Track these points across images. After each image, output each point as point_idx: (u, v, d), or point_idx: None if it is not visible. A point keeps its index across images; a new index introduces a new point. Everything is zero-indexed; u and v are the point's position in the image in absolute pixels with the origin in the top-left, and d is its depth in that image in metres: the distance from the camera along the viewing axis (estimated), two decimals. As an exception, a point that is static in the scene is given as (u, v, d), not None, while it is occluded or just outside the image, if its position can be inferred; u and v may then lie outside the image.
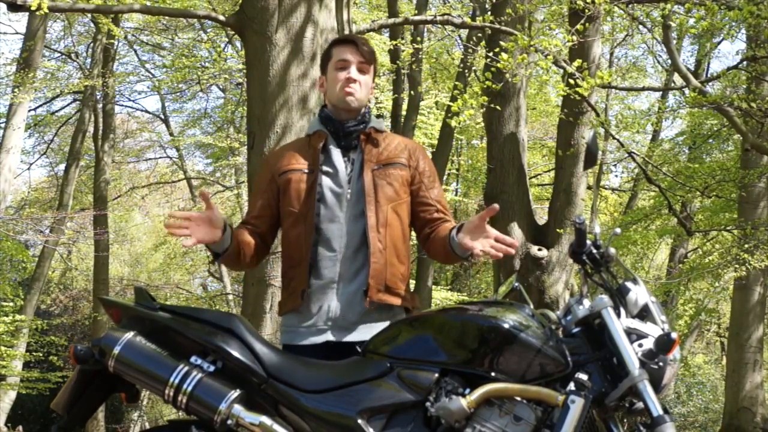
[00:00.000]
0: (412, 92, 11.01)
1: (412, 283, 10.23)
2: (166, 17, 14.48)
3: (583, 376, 2.40)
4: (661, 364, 2.43)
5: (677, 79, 12.72)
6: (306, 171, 2.87)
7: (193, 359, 2.61)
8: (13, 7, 5.53)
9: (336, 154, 2.89)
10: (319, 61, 5.28)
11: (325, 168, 2.87)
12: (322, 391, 2.57)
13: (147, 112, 21.36)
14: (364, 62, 2.92)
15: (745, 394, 11.87)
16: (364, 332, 2.75)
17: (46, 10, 5.39)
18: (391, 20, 8.19)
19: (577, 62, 6.42)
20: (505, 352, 2.47)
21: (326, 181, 2.86)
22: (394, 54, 10.39)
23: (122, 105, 21.80)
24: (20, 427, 13.88)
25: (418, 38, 10.36)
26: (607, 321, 2.47)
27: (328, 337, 2.80)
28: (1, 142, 12.57)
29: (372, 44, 3.00)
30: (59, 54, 17.63)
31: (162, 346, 2.64)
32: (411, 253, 3.04)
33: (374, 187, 2.84)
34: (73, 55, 17.38)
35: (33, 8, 5.29)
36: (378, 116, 3.02)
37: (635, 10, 8.37)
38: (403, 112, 11.25)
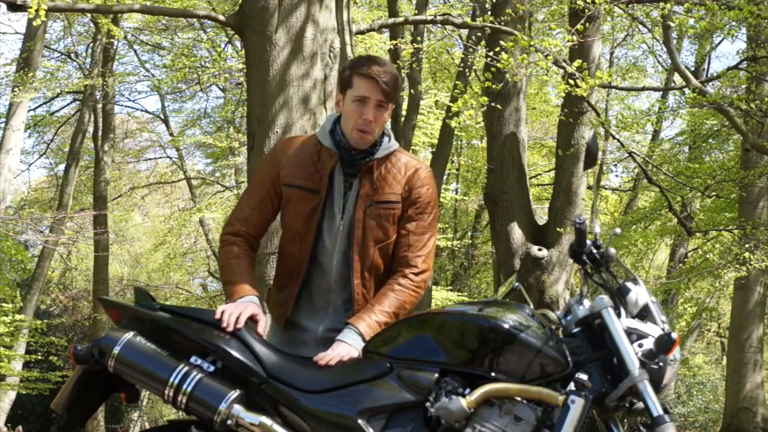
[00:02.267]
0: (412, 91, 11.01)
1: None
2: (166, 17, 14.47)
3: (584, 376, 2.40)
4: (661, 364, 2.43)
5: (677, 79, 12.72)
6: (311, 190, 2.81)
7: (193, 359, 2.61)
8: (13, 7, 5.51)
9: (338, 179, 2.82)
10: (319, 61, 5.31)
11: (326, 193, 2.81)
12: (322, 391, 2.57)
13: (147, 112, 21.34)
14: (384, 100, 2.79)
15: (745, 394, 11.87)
16: None
17: (43, 18, 5.34)
18: (391, 20, 8.19)
19: (577, 62, 6.42)
20: (505, 352, 2.47)
21: (328, 207, 2.82)
22: (394, 54, 10.39)
23: (122, 105, 21.82)
24: (20, 427, 13.87)
25: (418, 38, 10.35)
26: (607, 321, 2.47)
27: (312, 354, 2.75)
28: (0, 142, 12.57)
29: (395, 71, 2.84)
30: (59, 54, 17.62)
31: (162, 346, 2.64)
32: None
33: (363, 227, 2.79)
34: (72, 55, 17.38)
35: (31, 15, 5.25)
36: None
37: (635, 10, 8.37)
38: (403, 112, 11.26)
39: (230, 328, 2.63)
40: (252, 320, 2.70)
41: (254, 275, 2.87)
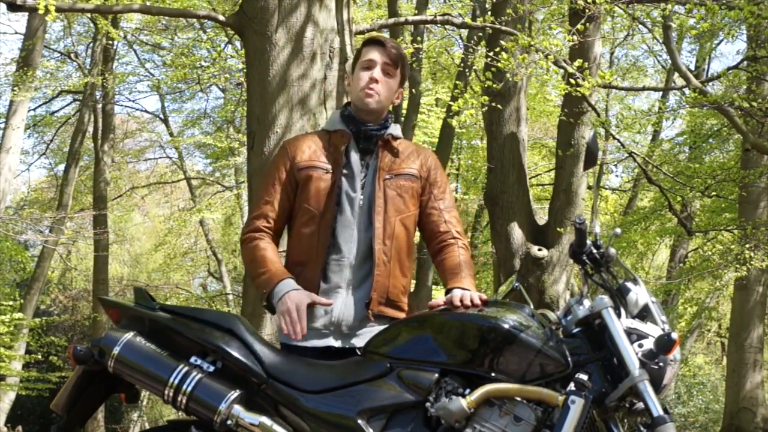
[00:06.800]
0: (413, 91, 11.01)
1: (412, 283, 10.23)
2: (166, 17, 14.46)
3: (584, 377, 2.40)
4: (661, 364, 2.43)
5: (677, 79, 12.71)
6: (327, 170, 2.84)
7: (193, 359, 2.61)
8: (13, 7, 5.50)
9: (354, 156, 2.87)
10: (319, 61, 5.32)
11: (344, 170, 2.85)
12: (322, 391, 2.57)
13: (147, 112, 21.36)
14: (390, 64, 2.89)
15: (745, 394, 11.85)
16: (365, 338, 2.74)
17: (53, 13, 5.32)
18: (391, 20, 8.18)
19: (578, 62, 6.42)
20: (505, 353, 2.47)
21: (344, 185, 2.84)
22: (394, 54, 10.37)
23: (122, 105, 21.82)
24: (20, 427, 13.88)
25: (418, 38, 10.35)
26: (607, 321, 2.47)
27: (330, 342, 2.79)
28: (0, 141, 12.57)
29: (402, 47, 2.99)
30: (59, 54, 17.62)
31: (162, 346, 2.64)
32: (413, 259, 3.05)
33: (384, 197, 2.83)
34: (72, 55, 17.37)
35: (40, 11, 5.24)
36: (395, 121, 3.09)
37: (635, 10, 8.36)
38: (404, 111, 11.25)
39: (300, 336, 2.65)
40: (310, 308, 2.71)
41: (282, 263, 2.83)
